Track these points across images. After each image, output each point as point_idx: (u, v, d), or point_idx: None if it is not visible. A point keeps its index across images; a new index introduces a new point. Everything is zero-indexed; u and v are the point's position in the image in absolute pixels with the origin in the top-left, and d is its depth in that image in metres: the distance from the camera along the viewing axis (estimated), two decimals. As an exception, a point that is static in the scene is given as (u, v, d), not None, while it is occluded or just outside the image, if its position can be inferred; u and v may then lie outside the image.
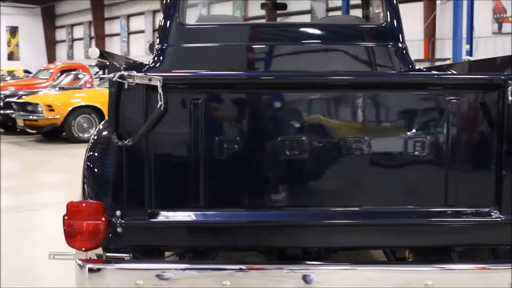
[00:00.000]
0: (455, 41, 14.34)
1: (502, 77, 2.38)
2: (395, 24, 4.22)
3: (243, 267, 2.45)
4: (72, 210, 2.47)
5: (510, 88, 2.35)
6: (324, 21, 5.21)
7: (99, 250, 2.54)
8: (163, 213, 2.48)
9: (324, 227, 2.53)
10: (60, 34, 45.13)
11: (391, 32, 4.21)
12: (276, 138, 2.46)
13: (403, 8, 4.43)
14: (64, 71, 16.94)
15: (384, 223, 2.51)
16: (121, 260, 2.48)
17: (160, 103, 2.36)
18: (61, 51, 44.86)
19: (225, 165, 2.49)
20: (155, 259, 2.70)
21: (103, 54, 2.49)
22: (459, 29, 14.22)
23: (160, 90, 2.35)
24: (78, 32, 42.72)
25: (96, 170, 2.76)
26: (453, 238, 2.55)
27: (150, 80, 2.36)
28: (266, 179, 2.52)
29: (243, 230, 2.54)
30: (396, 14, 4.23)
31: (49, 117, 12.75)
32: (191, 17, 4.92)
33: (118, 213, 2.45)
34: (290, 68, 3.93)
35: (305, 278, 2.42)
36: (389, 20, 4.21)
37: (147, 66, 3.93)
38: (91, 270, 2.44)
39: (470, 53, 14.65)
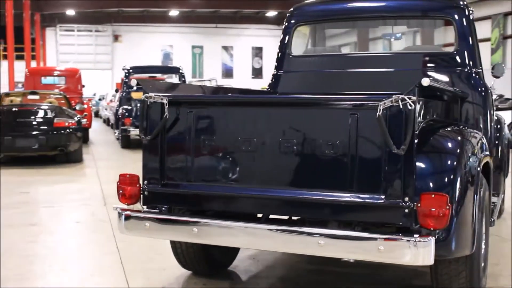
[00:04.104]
0: None
1: (375, 99, 3.30)
2: (465, 52, 4.94)
3: (205, 220, 3.73)
4: (121, 180, 3.92)
5: (379, 107, 3.20)
6: (404, 50, 5.87)
7: (138, 206, 3.97)
8: (170, 184, 3.84)
9: (265, 199, 3.62)
10: (299, 53, 48.39)
11: (461, 59, 4.95)
12: (237, 138, 3.65)
13: None
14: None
15: (305, 200, 3.49)
16: (140, 212, 3.88)
17: (166, 113, 3.74)
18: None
19: (208, 153, 3.75)
20: (158, 212, 3.95)
21: (139, 84, 3.92)
22: None
23: (166, 105, 3.74)
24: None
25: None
26: (354, 215, 3.46)
27: (162, 99, 3.76)
28: (234, 164, 3.69)
29: (219, 199, 3.78)
30: (467, 43, 4.93)
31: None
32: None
33: (145, 182, 3.87)
34: (364, 89, 4.88)
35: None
36: (459, 48, 4.96)
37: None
38: (126, 217, 3.89)
39: None
